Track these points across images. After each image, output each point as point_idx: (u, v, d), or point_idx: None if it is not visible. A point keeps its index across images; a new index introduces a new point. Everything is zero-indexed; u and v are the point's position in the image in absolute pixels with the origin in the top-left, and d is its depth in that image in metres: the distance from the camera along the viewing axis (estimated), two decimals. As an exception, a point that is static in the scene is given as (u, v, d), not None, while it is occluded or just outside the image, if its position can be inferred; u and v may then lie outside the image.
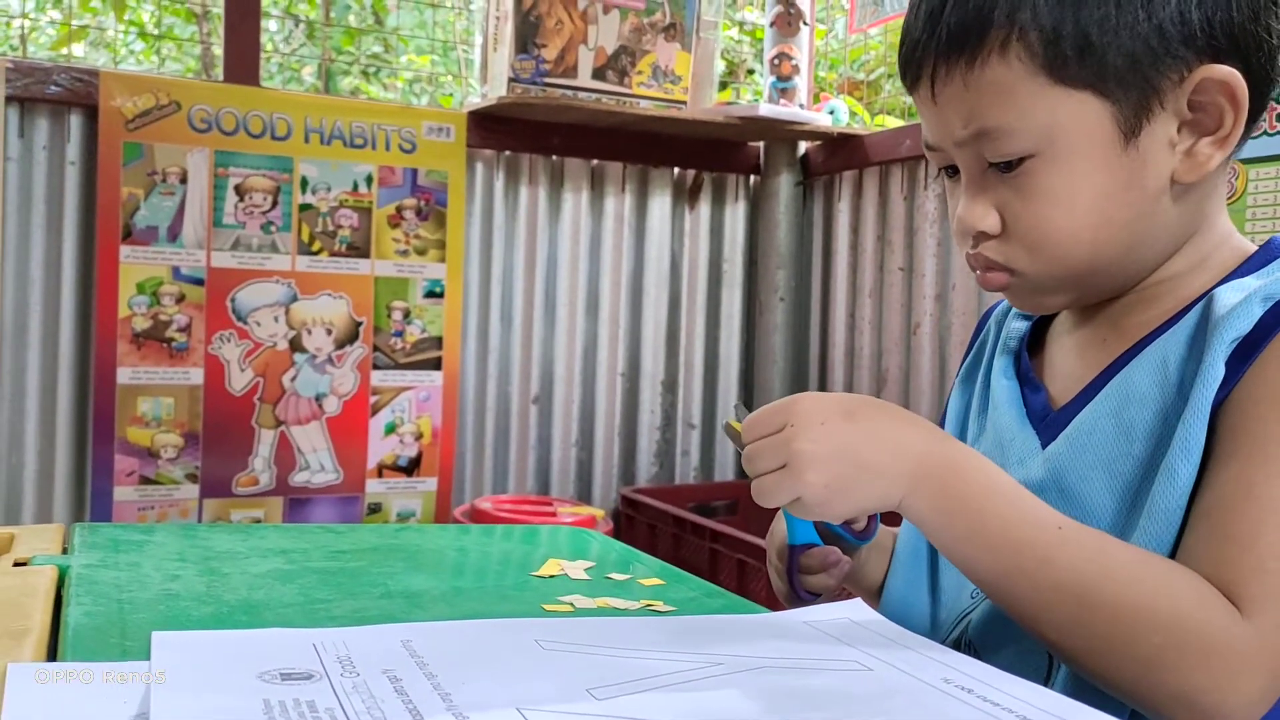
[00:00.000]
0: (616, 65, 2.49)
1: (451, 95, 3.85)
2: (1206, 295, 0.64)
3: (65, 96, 2.17)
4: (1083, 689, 0.61)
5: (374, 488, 2.39)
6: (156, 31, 3.38)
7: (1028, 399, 0.72)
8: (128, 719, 0.43)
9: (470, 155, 2.45)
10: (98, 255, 2.18)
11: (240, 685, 0.48)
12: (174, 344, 2.23)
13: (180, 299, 2.23)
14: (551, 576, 0.74)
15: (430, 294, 2.41)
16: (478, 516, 2.23)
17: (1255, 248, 0.68)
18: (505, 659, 0.54)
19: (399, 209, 2.37)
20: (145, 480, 2.23)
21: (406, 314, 2.39)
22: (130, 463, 2.21)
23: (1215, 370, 0.60)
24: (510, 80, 2.36)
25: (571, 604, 0.67)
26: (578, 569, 0.76)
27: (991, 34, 0.63)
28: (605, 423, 2.67)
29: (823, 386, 2.73)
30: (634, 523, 2.48)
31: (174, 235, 2.22)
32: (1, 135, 2.10)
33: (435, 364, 2.42)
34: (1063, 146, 0.63)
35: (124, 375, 2.20)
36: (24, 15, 2.81)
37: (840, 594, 0.72)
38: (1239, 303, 0.61)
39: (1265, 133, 1.61)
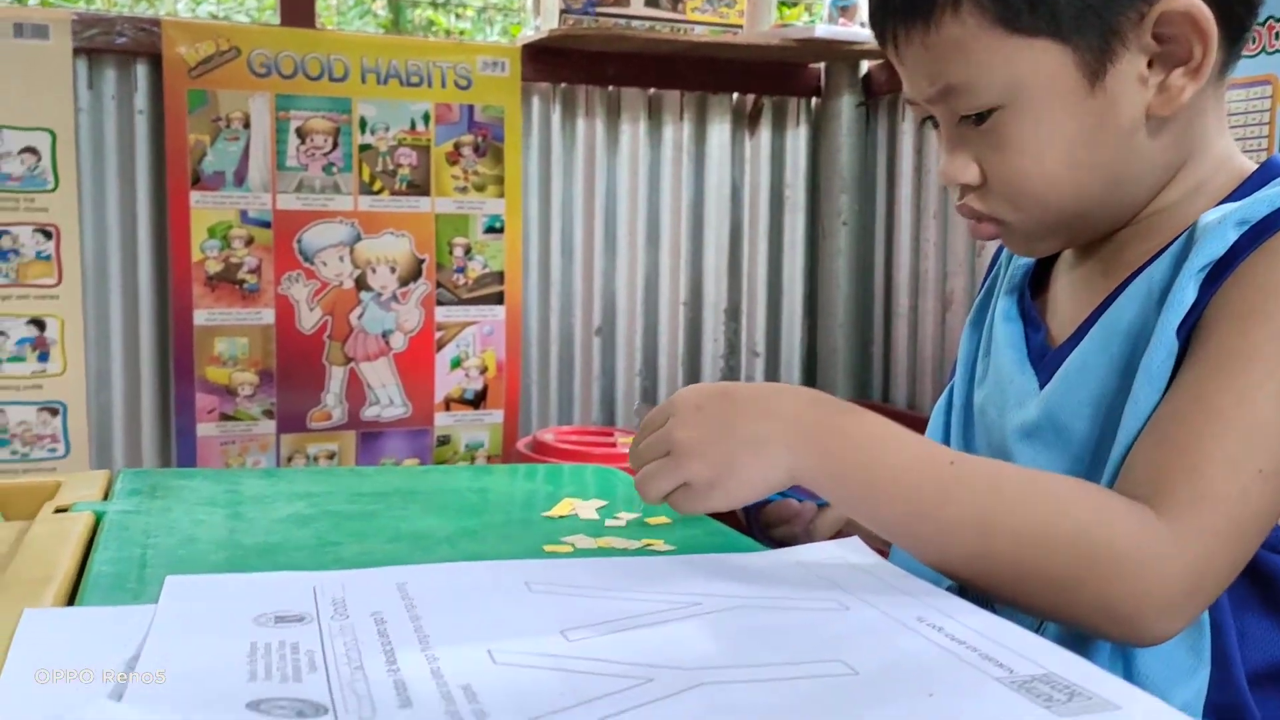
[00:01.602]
0: (669, -9, 2.45)
1: (520, 25, 3.83)
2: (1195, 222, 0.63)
3: (130, 46, 2.22)
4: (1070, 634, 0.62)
5: (442, 421, 2.45)
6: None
7: (1029, 339, 0.72)
8: (123, 660, 0.46)
9: (526, 89, 2.45)
10: (169, 201, 2.25)
11: (234, 628, 0.51)
12: (245, 285, 2.30)
13: (249, 242, 2.29)
14: (562, 517, 0.77)
15: (490, 229, 2.44)
16: (539, 448, 2.28)
17: (1255, 168, 0.66)
18: (491, 601, 0.57)
19: (457, 146, 2.39)
20: (225, 417, 2.32)
21: (468, 250, 2.43)
22: (210, 400, 2.31)
23: (1184, 294, 0.60)
24: (562, 11, 2.34)
25: (572, 545, 0.69)
26: (589, 509, 0.78)
27: None
28: (668, 352, 2.69)
29: (887, 310, 2.70)
30: (697, 451, 2.50)
31: (240, 179, 2.28)
32: (71, 87, 2.17)
33: (498, 298, 2.46)
34: (1027, 96, 0.63)
35: (200, 317, 2.28)
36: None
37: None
38: (1214, 226, 0.60)
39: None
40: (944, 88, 0.64)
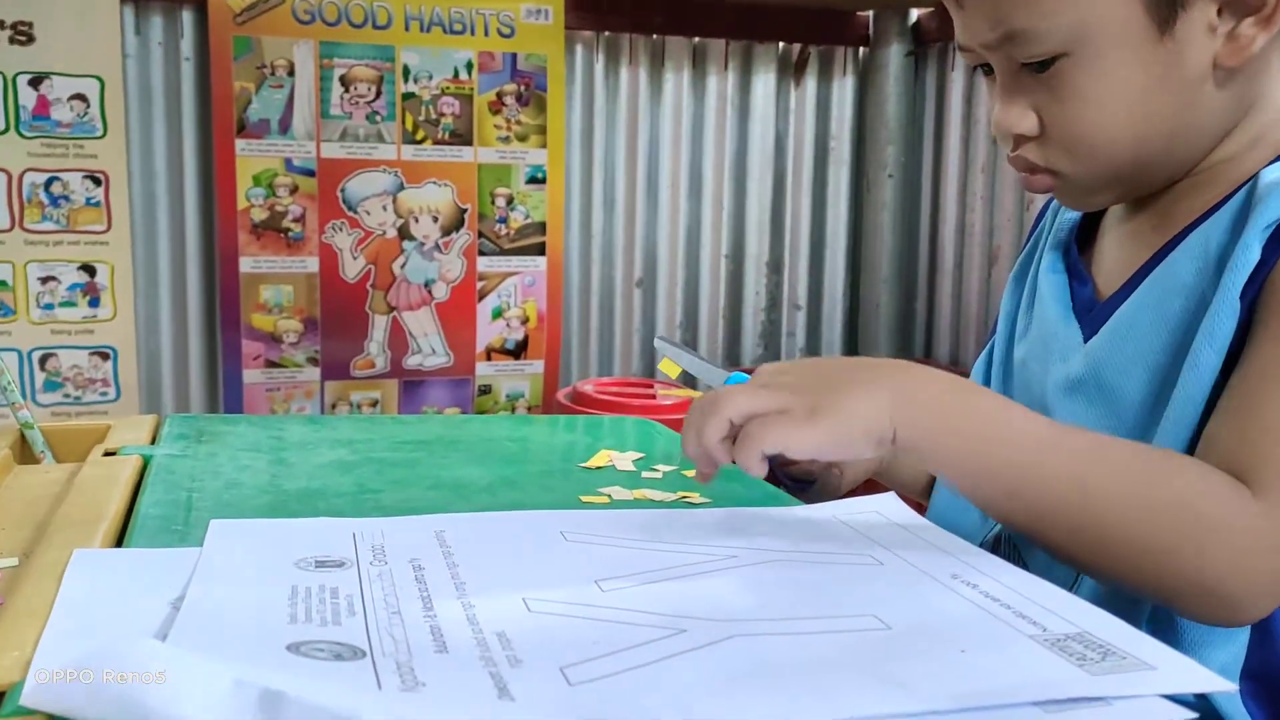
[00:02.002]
0: (716, -63, 2.41)
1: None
2: (1255, 177, 0.61)
3: (176, -7, 2.23)
4: (1108, 594, 0.61)
5: (483, 370, 2.47)
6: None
7: (1075, 292, 0.71)
8: (168, 601, 0.48)
9: (569, 37, 2.43)
10: (215, 149, 2.26)
11: (275, 572, 0.52)
12: (290, 234, 2.31)
13: (294, 190, 2.31)
14: (599, 468, 0.77)
15: (532, 180, 2.43)
16: (579, 399, 2.29)
17: None
18: (527, 550, 0.57)
19: (499, 95, 2.38)
20: (270, 364, 2.35)
21: (510, 200, 2.43)
22: (256, 347, 2.34)
23: (1249, 254, 0.58)
24: (606, -42, 2.31)
25: (609, 496, 0.69)
26: (626, 460, 0.79)
27: None
28: (709, 305, 2.68)
29: (932, 265, 2.67)
30: (737, 404, 2.50)
31: (285, 127, 2.29)
32: (119, 34, 2.18)
33: (539, 249, 2.46)
34: (1094, 44, 0.61)
35: (246, 264, 2.31)
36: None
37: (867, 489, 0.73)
38: (1278, 186, 0.59)
39: None
40: (1006, 33, 0.62)
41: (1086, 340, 0.68)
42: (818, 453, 0.56)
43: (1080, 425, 0.65)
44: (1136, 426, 0.63)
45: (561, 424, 0.94)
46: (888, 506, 0.67)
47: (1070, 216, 0.75)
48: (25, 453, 0.79)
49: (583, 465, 0.78)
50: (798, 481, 0.74)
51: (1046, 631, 0.47)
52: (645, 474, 0.76)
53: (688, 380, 0.71)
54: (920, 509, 0.72)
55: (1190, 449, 0.59)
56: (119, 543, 0.57)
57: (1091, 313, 0.69)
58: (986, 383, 0.78)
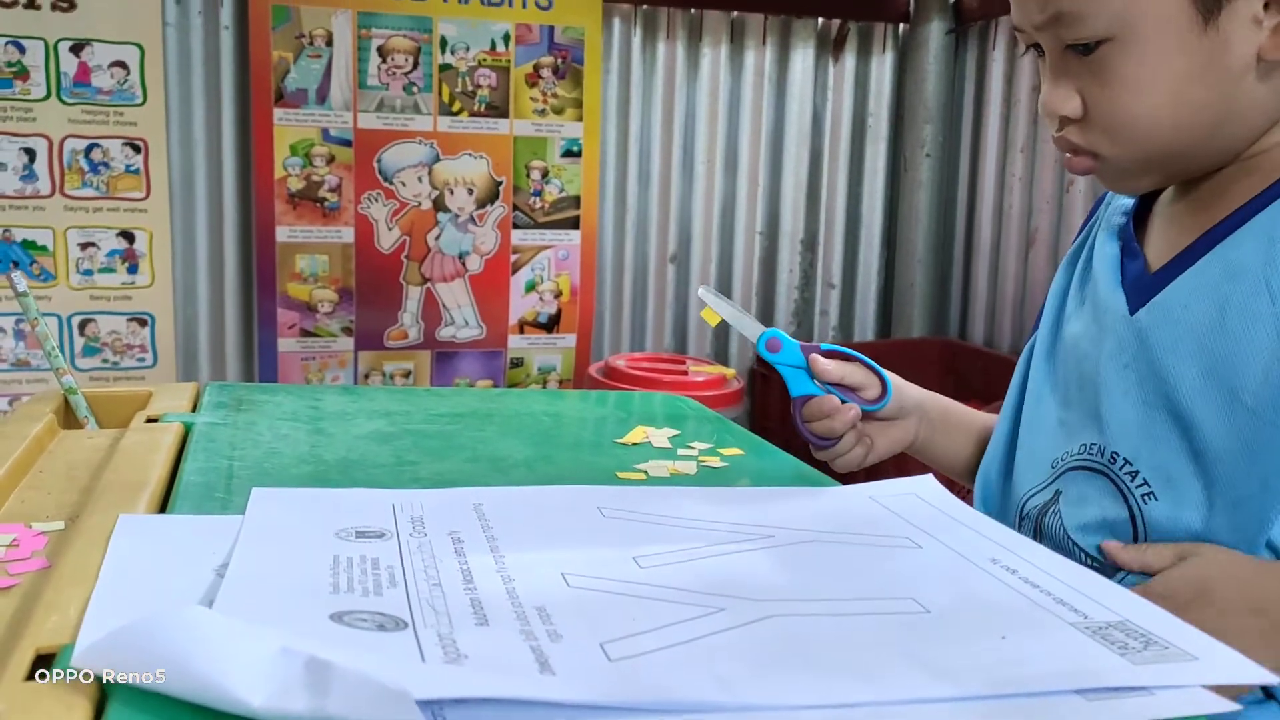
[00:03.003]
0: (757, -91, 2.39)
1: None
2: None
3: (216, -39, 2.23)
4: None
5: (516, 343, 2.47)
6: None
7: (1125, 266, 0.71)
8: (214, 566, 0.48)
9: (607, 10, 2.42)
10: (253, 118, 2.27)
11: (317, 540, 0.52)
12: (326, 204, 2.33)
13: (330, 160, 2.31)
14: (635, 444, 0.77)
15: (568, 153, 2.43)
16: (611, 374, 2.29)
17: None
18: (565, 525, 0.58)
19: (536, 67, 2.38)
20: (305, 333, 2.37)
21: (545, 173, 2.42)
22: (291, 316, 2.36)
23: None
24: (646, -70, 2.30)
25: (645, 472, 0.70)
26: (662, 437, 0.79)
27: None
28: (743, 281, 2.67)
29: (968, 246, 2.65)
30: (768, 381, 2.50)
31: (322, 97, 2.29)
32: (160, 1, 2.19)
33: (574, 223, 2.46)
34: (1139, 30, 0.61)
35: (282, 234, 2.32)
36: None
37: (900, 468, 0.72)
38: None
39: None
40: (1055, 14, 0.63)
41: (1134, 312, 0.67)
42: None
43: (1132, 404, 0.65)
44: (1187, 413, 0.63)
45: (594, 399, 0.94)
46: (925, 488, 0.67)
47: (1124, 202, 0.75)
48: (69, 418, 0.80)
49: (618, 441, 0.78)
50: (821, 438, 0.74)
51: (1088, 619, 0.47)
52: (681, 450, 0.76)
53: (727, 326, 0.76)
54: (955, 488, 0.72)
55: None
56: (162, 508, 0.58)
57: (1140, 283, 0.68)
58: (1027, 367, 0.77)
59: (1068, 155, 0.68)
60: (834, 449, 0.75)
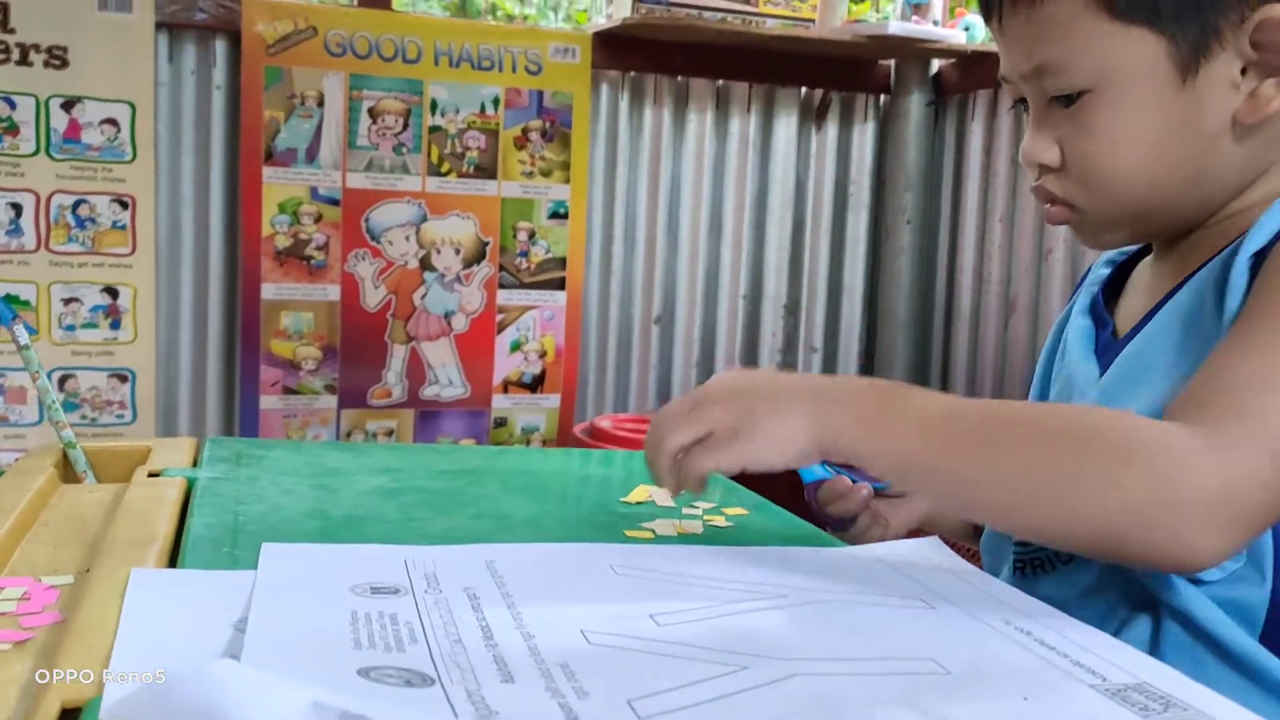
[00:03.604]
0: (743, -18, 2.44)
1: (586, 11, 3.84)
2: None
3: (210, 23, 2.26)
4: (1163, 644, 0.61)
5: (500, 403, 2.47)
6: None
7: (1097, 335, 0.73)
8: (231, 622, 0.48)
9: (595, 76, 2.46)
10: (242, 176, 2.28)
11: (333, 596, 0.52)
12: (313, 261, 2.33)
13: (318, 218, 2.32)
14: (639, 503, 0.77)
15: (555, 215, 2.45)
16: (596, 434, 2.29)
17: None
18: (579, 582, 0.58)
19: (525, 130, 2.41)
20: (288, 390, 2.35)
21: (531, 234, 2.44)
22: (275, 373, 2.34)
23: (1239, 281, 0.60)
24: (636, 0, 2.34)
25: (653, 530, 0.70)
26: (665, 496, 0.79)
27: None
28: (726, 345, 2.69)
29: (949, 312, 2.68)
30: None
31: (312, 156, 2.31)
32: (153, 61, 2.21)
33: (559, 284, 2.47)
34: (1118, 83, 0.63)
35: (268, 291, 2.32)
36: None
37: (914, 533, 0.73)
38: (1267, 215, 0.61)
39: None
40: (1038, 65, 0.65)
41: (1102, 375, 0.69)
42: (745, 468, 0.61)
43: None
44: None
45: (596, 457, 0.94)
46: (932, 550, 0.67)
47: (1103, 272, 0.77)
48: (67, 472, 0.80)
49: (623, 500, 0.78)
50: (838, 520, 0.75)
51: (1106, 681, 0.47)
52: (686, 510, 0.76)
53: None
54: (963, 552, 0.72)
55: None
56: (171, 563, 0.58)
57: (1109, 350, 0.70)
58: None
59: (1046, 205, 0.70)
60: (851, 531, 0.76)
